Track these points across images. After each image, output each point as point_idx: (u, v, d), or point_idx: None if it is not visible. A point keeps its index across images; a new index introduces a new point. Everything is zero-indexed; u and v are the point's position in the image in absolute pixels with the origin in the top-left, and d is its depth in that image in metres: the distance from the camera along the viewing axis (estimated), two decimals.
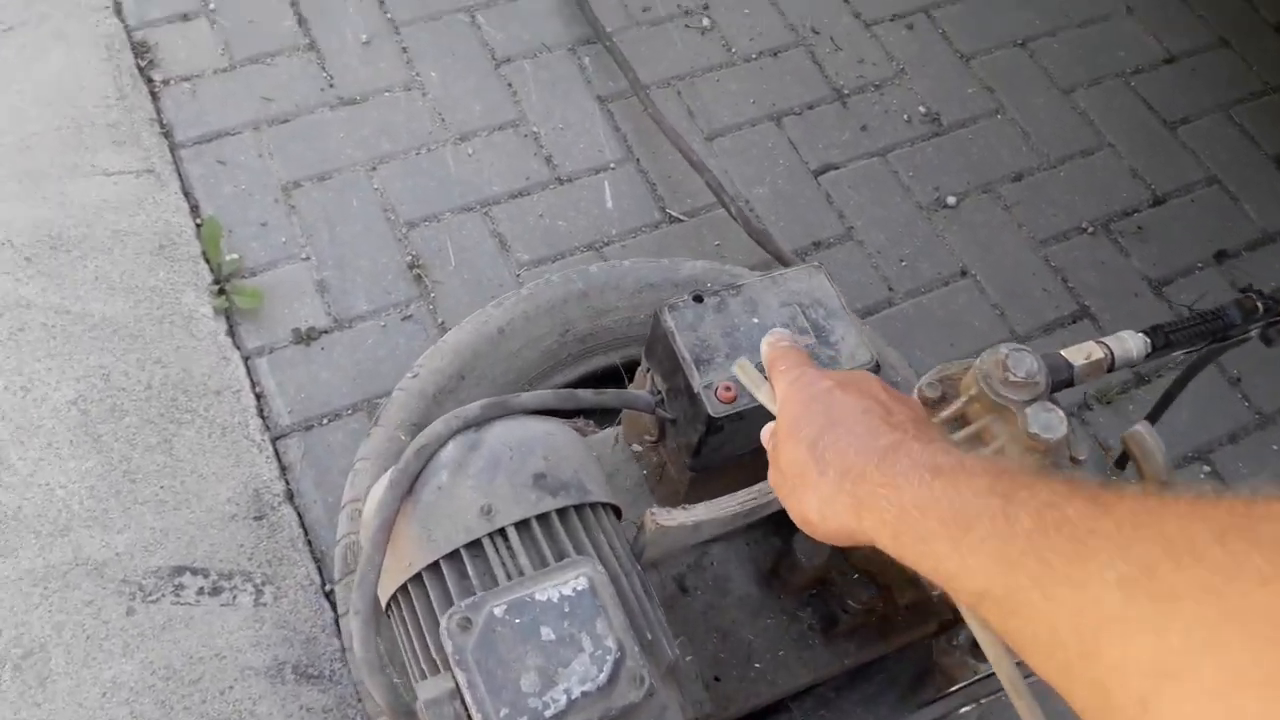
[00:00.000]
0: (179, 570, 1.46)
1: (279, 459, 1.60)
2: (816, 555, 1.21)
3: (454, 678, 0.93)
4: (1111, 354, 1.02)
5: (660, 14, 2.17)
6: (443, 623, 0.94)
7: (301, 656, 1.44)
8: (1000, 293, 1.92)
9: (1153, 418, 1.54)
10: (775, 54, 2.16)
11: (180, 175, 1.82)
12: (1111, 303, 1.93)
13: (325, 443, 1.62)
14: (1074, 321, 1.91)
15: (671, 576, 1.32)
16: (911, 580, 1.14)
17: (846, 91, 2.13)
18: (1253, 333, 1.13)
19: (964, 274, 1.94)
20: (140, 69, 1.92)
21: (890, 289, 1.90)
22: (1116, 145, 2.15)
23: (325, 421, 1.64)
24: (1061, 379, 1.00)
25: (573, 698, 0.92)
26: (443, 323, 1.72)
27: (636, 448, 1.32)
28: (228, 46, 1.97)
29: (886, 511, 0.64)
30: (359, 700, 1.41)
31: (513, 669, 0.92)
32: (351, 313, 1.74)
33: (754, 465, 1.21)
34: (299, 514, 1.55)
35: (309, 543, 1.54)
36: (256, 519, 1.53)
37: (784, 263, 1.64)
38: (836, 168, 2.03)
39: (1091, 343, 1.03)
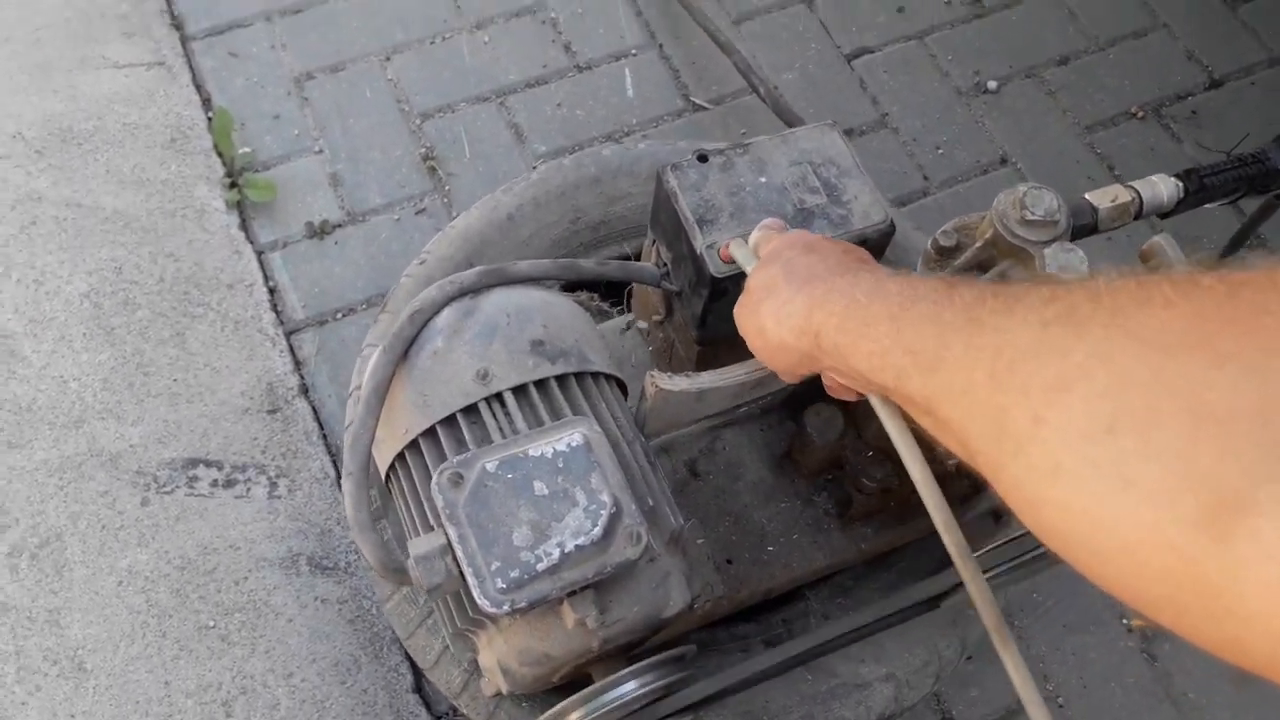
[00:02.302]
0: (193, 462, 1.44)
1: (293, 353, 1.57)
2: (829, 431, 1.16)
3: (445, 533, 0.90)
4: (1140, 197, 0.95)
5: None
6: (434, 479, 0.90)
7: (316, 549, 1.42)
8: (1042, 180, 1.80)
9: None
10: None
11: (191, 68, 1.78)
12: None
13: (340, 337, 1.59)
14: None
15: (683, 461, 1.28)
16: (934, 455, 1.07)
17: None
18: None
19: (1004, 161, 1.84)
20: None
21: (925, 178, 1.82)
22: (1171, 26, 2.02)
23: (339, 316, 1.61)
24: (1084, 222, 0.93)
25: (566, 551, 0.88)
26: (457, 216, 1.67)
27: (642, 325, 1.27)
28: None
29: (836, 304, 0.67)
30: (374, 592, 1.39)
31: (505, 523, 0.89)
32: (365, 206, 1.70)
33: None
34: (313, 408, 1.53)
35: (324, 436, 1.51)
36: (270, 413, 1.51)
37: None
38: (871, 51, 1.94)
39: (1118, 185, 0.95)
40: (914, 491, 1.18)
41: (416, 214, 1.70)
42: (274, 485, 1.44)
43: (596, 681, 0.97)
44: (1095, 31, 2.00)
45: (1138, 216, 0.96)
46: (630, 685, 0.96)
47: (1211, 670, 1.47)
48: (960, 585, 1.05)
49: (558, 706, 0.96)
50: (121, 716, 1.26)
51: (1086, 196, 0.95)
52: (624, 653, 1.03)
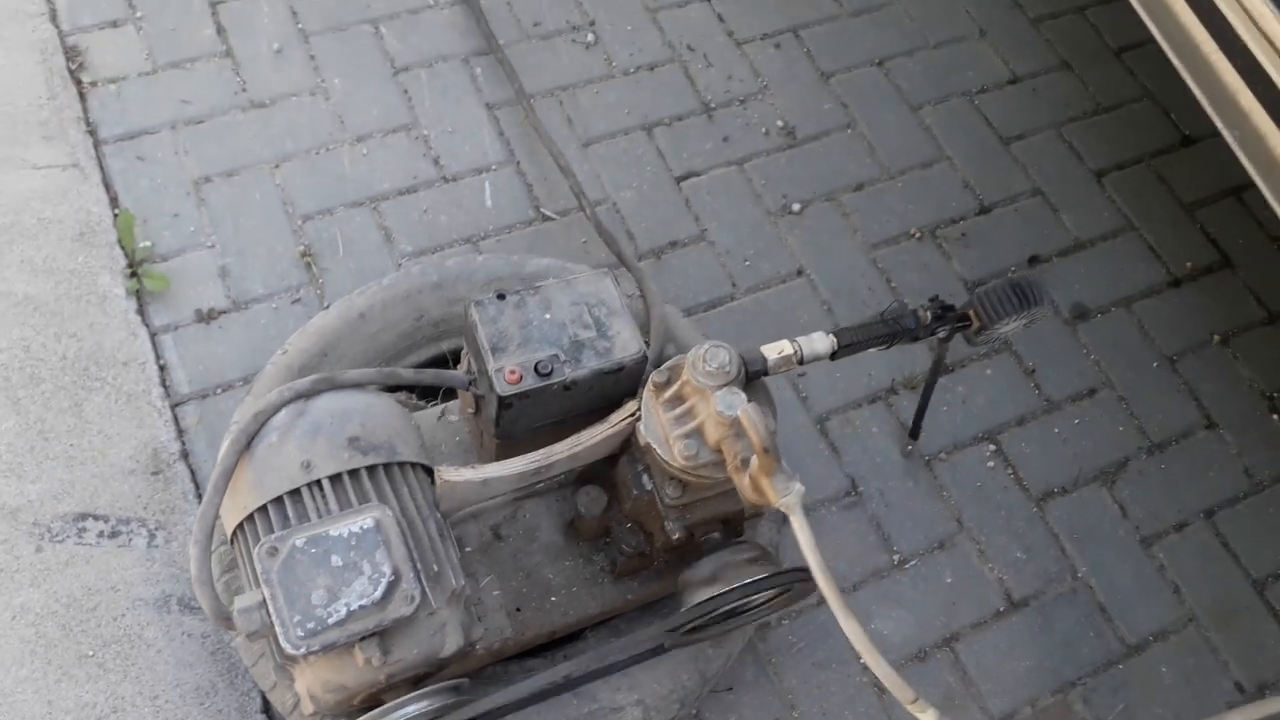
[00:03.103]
0: (83, 516, 1.70)
1: (177, 423, 1.84)
2: (594, 507, 1.47)
3: (262, 592, 1.19)
4: (801, 351, 1.28)
5: (550, 29, 2.41)
6: (255, 551, 1.20)
7: (186, 591, 1.69)
8: (830, 290, 2.17)
9: (921, 410, 1.81)
10: (652, 68, 2.40)
11: (102, 169, 2.06)
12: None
13: (219, 410, 1.86)
14: None
15: (489, 526, 1.58)
16: (662, 527, 1.39)
17: (713, 105, 2.37)
18: (940, 334, 1.39)
19: (800, 273, 2.19)
20: (71, 71, 2.14)
21: (733, 285, 2.15)
22: (954, 158, 2.40)
23: (220, 391, 1.88)
24: (757, 369, 1.26)
25: (351, 609, 1.18)
26: (328, 306, 1.96)
27: (453, 418, 1.57)
28: (151, 52, 2.20)
29: None
30: (235, 640, 1.66)
31: (307, 586, 1.18)
32: (248, 296, 1.98)
33: (553, 436, 1.47)
34: (192, 470, 1.80)
35: (199, 495, 1.78)
36: (154, 474, 1.77)
37: (625, 264, 1.88)
38: (698, 175, 2.28)
39: (785, 341, 1.29)
40: (661, 553, 1.50)
41: (293, 303, 1.98)
42: (153, 536, 1.71)
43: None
44: (889, 162, 2.37)
45: (801, 363, 1.29)
46: (410, 708, 1.26)
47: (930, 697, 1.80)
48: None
49: None
50: None
51: (761, 349, 1.27)
52: (414, 684, 1.32)
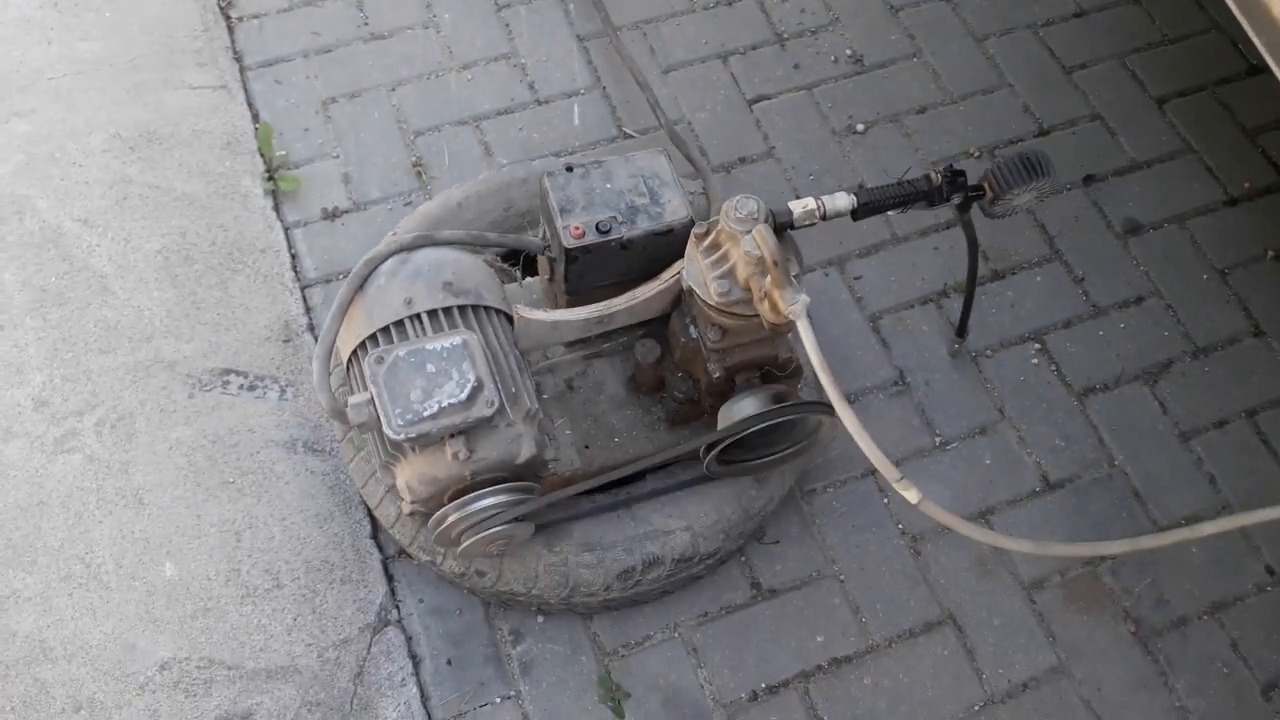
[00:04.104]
0: (227, 371, 2.02)
1: (305, 301, 2.14)
2: (649, 355, 1.70)
3: (370, 392, 1.45)
4: (824, 206, 1.47)
5: None
6: (366, 358, 1.46)
7: (310, 436, 1.98)
8: None
9: (968, 300, 1.97)
10: (730, 3, 2.60)
11: (246, 90, 2.38)
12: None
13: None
14: (947, 228, 2.32)
15: (563, 379, 1.83)
16: (706, 369, 1.61)
17: (786, 36, 2.56)
18: (955, 201, 1.56)
19: (861, 187, 2.36)
20: (221, 8, 2.47)
21: (796, 195, 2.32)
22: (1015, 85, 2.53)
23: (341, 277, 2.17)
24: (784, 220, 1.46)
25: (442, 405, 1.44)
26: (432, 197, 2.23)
27: (529, 280, 1.82)
28: None
29: None
30: (348, 466, 1.95)
31: (406, 387, 1.45)
32: (367, 198, 2.27)
33: (614, 294, 1.70)
34: (316, 340, 2.10)
35: None
36: (285, 341, 2.08)
37: (691, 163, 2.10)
38: (768, 98, 2.47)
39: (810, 197, 1.48)
40: (711, 401, 1.72)
41: (404, 206, 2.27)
42: (283, 391, 2.01)
43: None
44: (952, 88, 2.52)
45: (824, 219, 1.49)
46: (489, 500, 1.51)
47: (959, 564, 1.97)
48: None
49: (441, 510, 1.51)
50: (166, 535, 1.84)
51: (788, 204, 1.48)
52: (492, 485, 1.58)
